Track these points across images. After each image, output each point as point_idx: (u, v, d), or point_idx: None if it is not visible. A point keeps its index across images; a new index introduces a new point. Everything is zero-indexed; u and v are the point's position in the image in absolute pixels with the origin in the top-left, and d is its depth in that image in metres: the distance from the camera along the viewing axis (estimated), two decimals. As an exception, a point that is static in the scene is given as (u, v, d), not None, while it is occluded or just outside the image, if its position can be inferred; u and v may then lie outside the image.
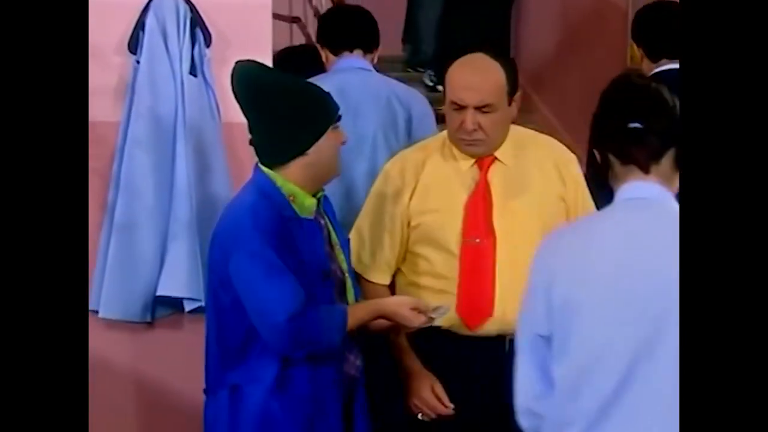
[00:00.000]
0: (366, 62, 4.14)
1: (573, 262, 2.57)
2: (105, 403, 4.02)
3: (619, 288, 2.48)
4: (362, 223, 3.62)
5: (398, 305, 3.27)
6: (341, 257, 3.39)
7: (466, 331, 3.51)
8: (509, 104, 3.51)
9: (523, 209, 3.53)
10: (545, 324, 2.59)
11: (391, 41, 8.74)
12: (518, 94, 3.53)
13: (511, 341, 3.41)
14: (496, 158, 3.55)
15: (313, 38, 8.75)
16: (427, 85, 8.81)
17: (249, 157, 4.01)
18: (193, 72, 3.90)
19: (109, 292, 3.86)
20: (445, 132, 3.64)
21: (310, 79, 4.06)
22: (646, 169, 2.55)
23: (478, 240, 3.49)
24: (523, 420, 2.67)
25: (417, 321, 3.25)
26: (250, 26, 4.01)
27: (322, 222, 3.34)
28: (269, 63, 3.99)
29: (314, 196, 3.32)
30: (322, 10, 8.64)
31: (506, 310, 3.46)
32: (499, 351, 3.47)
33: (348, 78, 4.04)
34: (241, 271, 3.15)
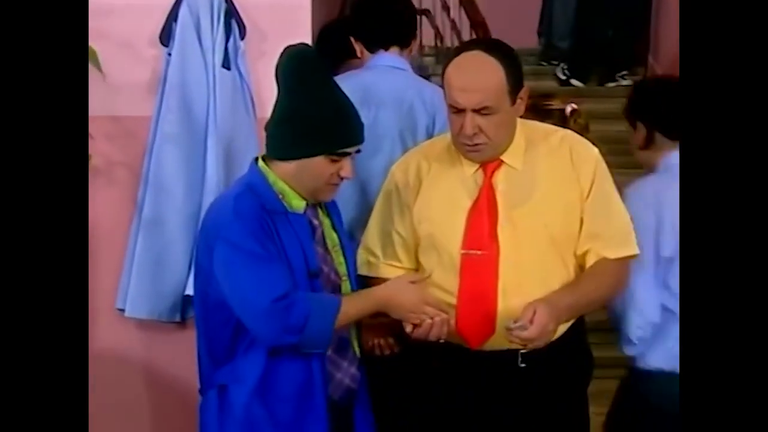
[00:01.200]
0: (401, 60, 3.96)
1: (673, 213, 3.10)
2: (135, 402, 3.98)
3: None
4: (372, 223, 3.44)
5: (396, 289, 3.10)
6: (340, 260, 3.24)
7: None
8: (513, 103, 3.21)
9: (530, 218, 3.23)
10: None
11: (525, 34, 8.54)
12: (524, 90, 3.24)
13: (524, 354, 3.25)
14: (502, 161, 3.27)
15: (441, 30, 8.66)
16: (559, 79, 8.58)
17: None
18: (226, 65, 3.78)
19: (136, 291, 3.78)
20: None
21: (343, 75, 3.93)
22: None
23: (479, 252, 3.20)
24: None
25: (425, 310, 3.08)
26: (288, 19, 3.88)
27: (316, 222, 3.19)
28: (308, 57, 3.86)
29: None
30: (450, 2, 8.49)
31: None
32: (512, 365, 3.24)
33: (376, 77, 3.90)
34: (223, 262, 3.02)
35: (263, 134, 3.78)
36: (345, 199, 3.70)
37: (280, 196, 3.11)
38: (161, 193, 3.78)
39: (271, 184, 3.11)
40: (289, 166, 3.10)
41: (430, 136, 3.84)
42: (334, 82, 3.18)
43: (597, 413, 6.37)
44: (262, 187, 3.10)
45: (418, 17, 8.68)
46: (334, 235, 3.25)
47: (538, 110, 6.27)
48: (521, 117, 3.33)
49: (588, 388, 3.57)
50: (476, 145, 3.20)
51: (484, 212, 3.23)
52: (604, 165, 3.34)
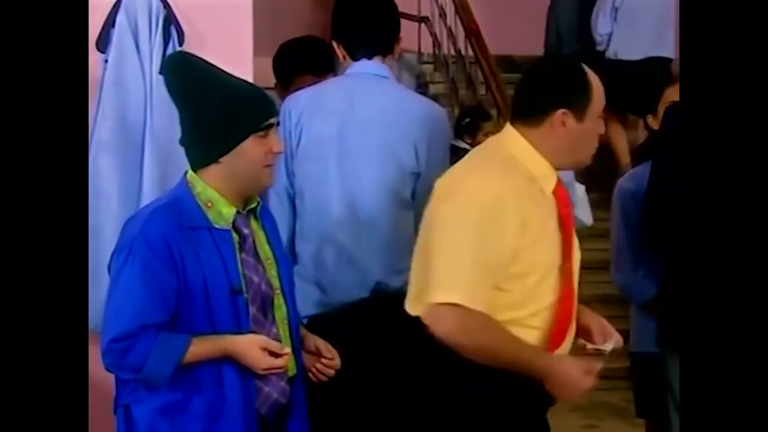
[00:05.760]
0: (383, 68, 3.83)
1: None
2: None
3: None
4: (463, 254, 3.04)
5: (247, 344, 3.02)
6: (273, 273, 3.17)
7: None
8: None
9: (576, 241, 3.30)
10: None
11: (523, 41, 8.45)
12: None
13: None
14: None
15: (439, 38, 8.59)
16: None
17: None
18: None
19: (71, 300, 3.72)
20: (506, 153, 3.19)
21: (326, 81, 3.84)
22: None
23: (572, 267, 3.22)
24: None
25: (265, 362, 3.01)
26: (229, 26, 3.85)
27: (246, 231, 3.12)
28: (249, 65, 3.81)
29: (245, 206, 3.14)
30: (447, 9, 8.41)
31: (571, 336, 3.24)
32: None
33: (360, 86, 3.77)
34: (112, 276, 3.04)
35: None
36: (337, 217, 3.62)
37: (209, 206, 3.05)
38: (97, 201, 3.74)
39: (196, 196, 3.05)
40: (219, 169, 3.04)
41: (415, 143, 3.72)
42: (222, 70, 3.12)
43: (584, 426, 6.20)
44: (187, 201, 3.05)
45: (418, 24, 8.67)
46: (267, 248, 3.18)
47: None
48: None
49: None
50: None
51: (567, 229, 3.20)
52: None
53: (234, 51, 3.80)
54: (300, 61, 4.14)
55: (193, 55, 3.13)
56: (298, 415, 3.21)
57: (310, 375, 3.27)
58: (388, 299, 3.59)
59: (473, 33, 7.72)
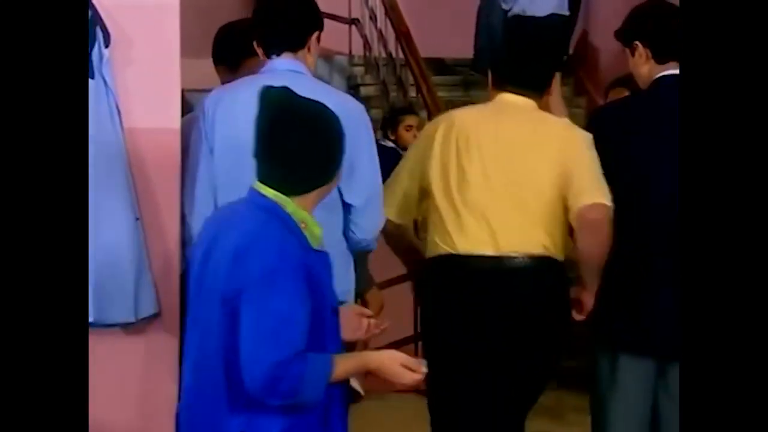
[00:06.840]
0: (297, 63, 3.85)
1: None
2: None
3: None
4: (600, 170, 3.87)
5: (390, 360, 3.08)
6: None
7: None
8: None
9: None
10: None
11: (454, 44, 8.49)
12: None
13: None
14: None
15: (369, 40, 8.60)
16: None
17: (155, 164, 3.79)
18: (89, 74, 3.65)
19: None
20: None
21: (242, 80, 3.85)
22: None
23: None
24: None
25: (409, 378, 3.06)
26: (156, 27, 3.76)
27: (325, 251, 3.16)
28: (177, 66, 3.78)
29: None
30: (378, 11, 8.43)
31: None
32: None
33: (276, 82, 3.70)
34: (252, 304, 2.93)
35: (132, 145, 3.73)
36: None
37: (302, 226, 3.05)
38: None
39: (291, 215, 3.05)
40: (321, 190, 3.10)
41: None
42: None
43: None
44: (288, 222, 3.04)
45: (348, 26, 8.65)
46: None
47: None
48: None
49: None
50: None
51: None
52: None
53: (161, 52, 3.75)
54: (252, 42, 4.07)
55: (288, 89, 3.12)
56: None
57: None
58: None
59: (403, 35, 7.74)
